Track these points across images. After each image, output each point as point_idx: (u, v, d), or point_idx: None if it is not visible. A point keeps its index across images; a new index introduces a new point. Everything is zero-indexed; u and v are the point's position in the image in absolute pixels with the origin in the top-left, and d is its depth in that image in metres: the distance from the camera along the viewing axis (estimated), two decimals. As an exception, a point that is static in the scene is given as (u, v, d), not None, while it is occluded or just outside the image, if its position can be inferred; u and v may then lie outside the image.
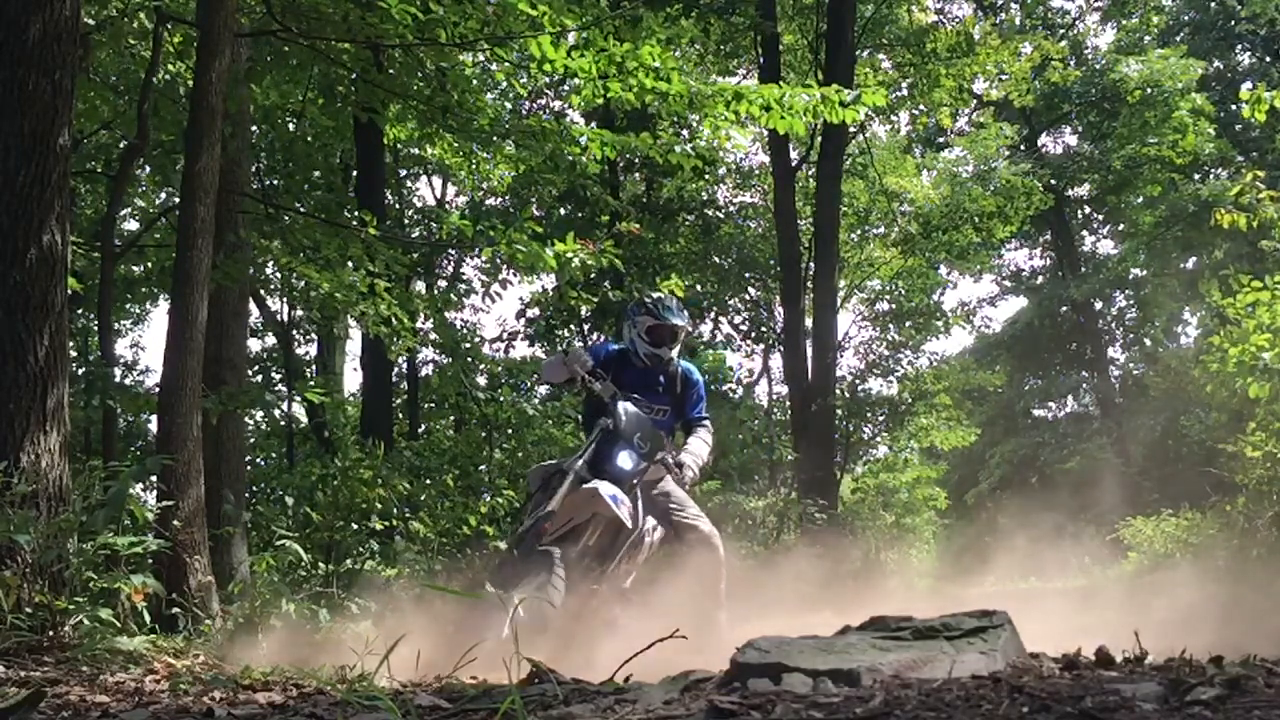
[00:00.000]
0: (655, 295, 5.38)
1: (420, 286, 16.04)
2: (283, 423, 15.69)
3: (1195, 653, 2.13)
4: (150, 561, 4.46)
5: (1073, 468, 22.44)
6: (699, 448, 5.02)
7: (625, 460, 4.59)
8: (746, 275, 18.11)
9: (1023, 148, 22.57)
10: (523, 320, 17.36)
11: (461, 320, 17.44)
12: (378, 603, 5.49)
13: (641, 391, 4.91)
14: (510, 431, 10.29)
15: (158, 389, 5.61)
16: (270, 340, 18.29)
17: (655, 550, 4.76)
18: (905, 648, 2.12)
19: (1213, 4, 24.36)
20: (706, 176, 16.81)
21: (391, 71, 7.49)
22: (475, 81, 8.60)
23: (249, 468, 12.15)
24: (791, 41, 17.67)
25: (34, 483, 3.86)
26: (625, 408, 4.70)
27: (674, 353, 5.03)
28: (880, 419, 18.77)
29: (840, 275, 17.14)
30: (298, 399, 15.09)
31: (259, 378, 17.71)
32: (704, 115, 7.44)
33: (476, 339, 16.55)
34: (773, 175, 16.66)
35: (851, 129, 15.40)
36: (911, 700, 1.73)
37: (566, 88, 13.73)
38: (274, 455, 16.57)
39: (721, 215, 17.96)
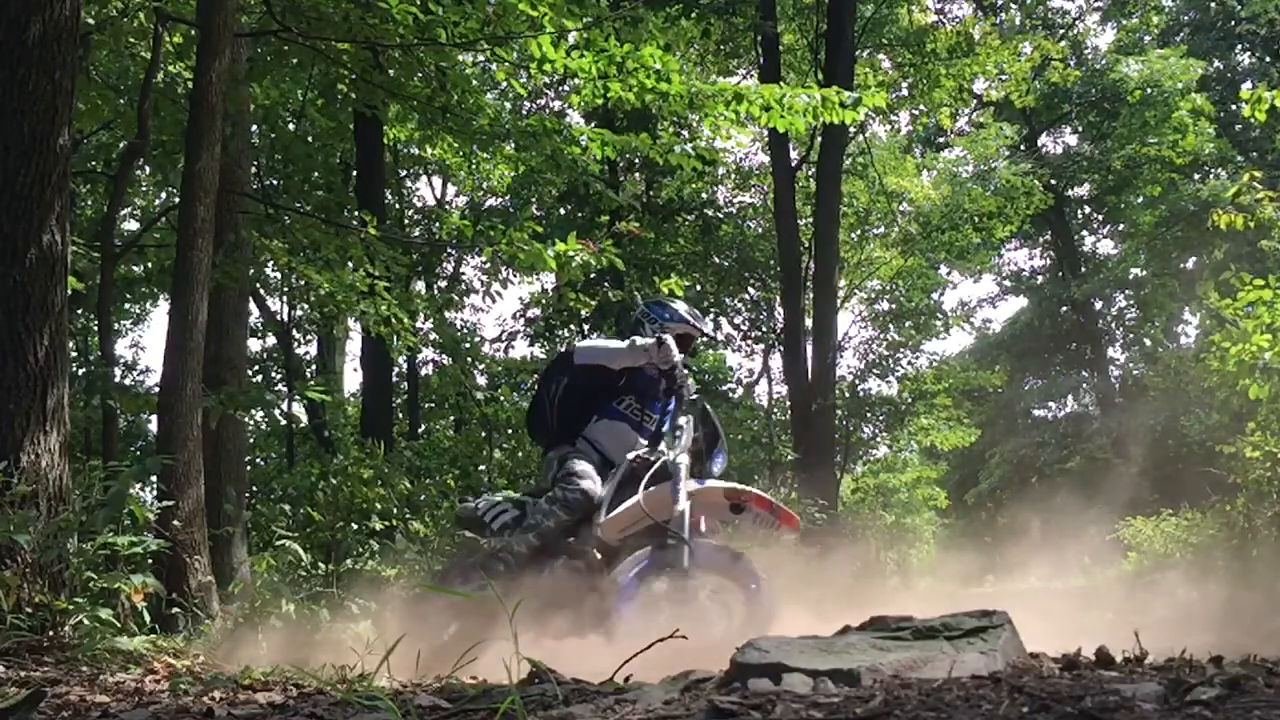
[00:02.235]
0: (680, 300, 5.20)
1: (420, 286, 16.05)
2: (283, 423, 15.69)
3: (1195, 653, 2.13)
4: (150, 561, 4.45)
5: (1073, 468, 22.43)
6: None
7: (718, 464, 4.51)
8: (746, 275, 18.11)
9: (1023, 148, 22.56)
10: (522, 320, 17.38)
11: (461, 320, 17.48)
12: (378, 603, 5.49)
13: (648, 396, 4.77)
14: (510, 431, 10.30)
15: (158, 389, 5.61)
16: (270, 340, 18.31)
17: None
18: (905, 648, 2.12)
19: (1213, 4, 24.36)
20: (706, 177, 16.82)
21: (391, 72, 7.49)
22: (475, 81, 8.61)
23: (249, 468, 12.15)
24: (791, 41, 17.67)
25: (34, 483, 3.86)
26: (712, 411, 4.64)
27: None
28: (880, 419, 18.77)
29: (840, 275, 17.14)
30: (298, 399, 15.10)
31: (259, 378, 17.71)
32: (704, 115, 7.44)
33: (476, 339, 16.58)
34: (773, 175, 16.67)
35: (851, 129, 15.41)
36: (911, 700, 1.73)
37: (566, 88, 13.73)
38: (274, 455, 16.57)
39: (721, 215, 17.96)
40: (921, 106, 19.39)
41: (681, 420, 4.45)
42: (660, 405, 4.82)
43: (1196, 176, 22.29)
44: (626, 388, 4.69)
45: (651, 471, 4.29)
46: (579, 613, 4.12)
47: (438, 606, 4.27)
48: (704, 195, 18.03)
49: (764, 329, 18.90)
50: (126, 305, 16.93)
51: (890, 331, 19.38)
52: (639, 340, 4.51)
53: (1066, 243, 25.60)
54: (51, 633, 3.61)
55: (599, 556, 4.29)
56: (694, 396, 4.57)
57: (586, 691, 2.23)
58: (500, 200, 18.28)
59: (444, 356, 13.03)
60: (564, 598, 4.16)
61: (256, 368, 17.92)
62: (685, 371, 4.56)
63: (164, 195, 12.83)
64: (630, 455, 4.49)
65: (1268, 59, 24.36)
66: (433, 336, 10.29)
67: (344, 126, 10.58)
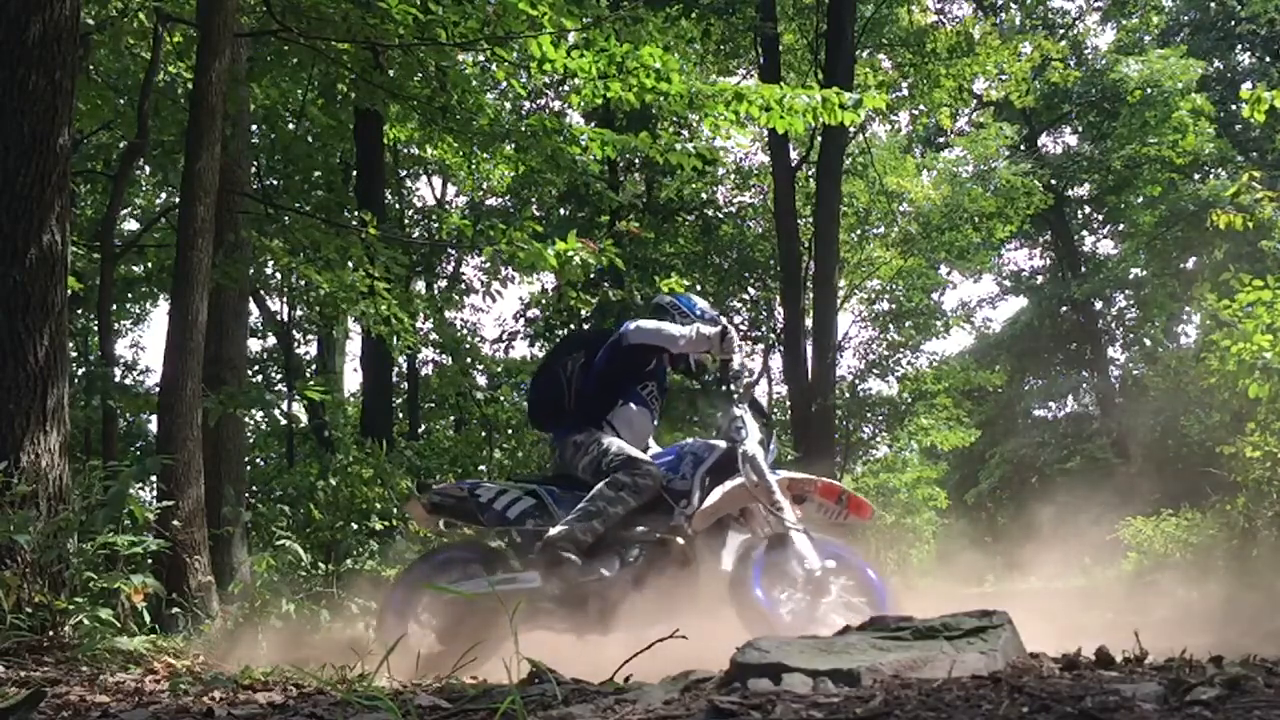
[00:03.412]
0: (698, 298, 5.08)
1: (420, 286, 16.05)
2: (283, 423, 15.69)
3: (1195, 653, 2.13)
4: (150, 561, 4.46)
5: (1073, 468, 22.43)
6: None
7: (770, 454, 4.37)
8: (746, 275, 18.11)
9: (1023, 148, 22.57)
10: (522, 320, 17.37)
11: (461, 320, 17.47)
12: (378, 602, 5.48)
13: (661, 385, 4.71)
14: (510, 431, 10.28)
15: (158, 389, 5.61)
16: (270, 340, 18.31)
17: None
18: (905, 648, 2.12)
19: (1213, 4, 24.35)
20: (706, 177, 16.81)
21: (391, 72, 7.49)
22: (475, 81, 8.60)
23: (249, 468, 12.15)
24: (791, 41, 17.68)
25: (34, 483, 3.86)
26: (761, 402, 4.54)
27: None
28: (880, 419, 18.77)
29: (840, 275, 17.14)
30: (298, 399, 15.09)
31: (259, 378, 17.71)
32: (704, 115, 7.44)
33: (476, 339, 16.56)
34: (773, 175, 16.67)
35: (851, 129, 15.40)
36: (911, 700, 1.73)
37: (566, 88, 13.73)
38: (274, 455, 16.57)
39: (721, 215, 17.96)
40: (921, 106, 19.39)
41: (737, 411, 4.33)
42: (663, 396, 4.76)
43: (1196, 176, 22.29)
44: (650, 374, 4.55)
45: (741, 459, 4.17)
46: (675, 600, 3.94)
47: (431, 603, 4.21)
48: (704, 195, 18.02)
49: (764, 329, 18.91)
50: (126, 305, 16.92)
51: (890, 331, 19.38)
52: (703, 328, 4.35)
53: (1066, 243, 25.60)
54: (51, 633, 3.61)
55: (682, 544, 4.14)
56: (750, 380, 4.48)
57: (586, 691, 2.23)
58: (500, 200, 18.27)
59: (444, 356, 13.02)
60: (662, 587, 4.02)
61: (256, 368, 17.92)
62: (743, 366, 4.47)
63: (164, 195, 12.85)
64: (720, 445, 4.34)
65: (1268, 59, 24.35)
66: (433, 336, 10.28)
67: (344, 126, 10.59)
